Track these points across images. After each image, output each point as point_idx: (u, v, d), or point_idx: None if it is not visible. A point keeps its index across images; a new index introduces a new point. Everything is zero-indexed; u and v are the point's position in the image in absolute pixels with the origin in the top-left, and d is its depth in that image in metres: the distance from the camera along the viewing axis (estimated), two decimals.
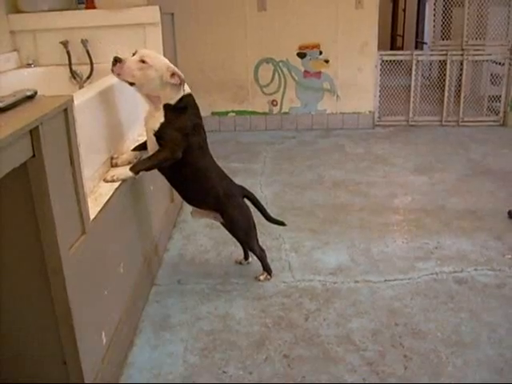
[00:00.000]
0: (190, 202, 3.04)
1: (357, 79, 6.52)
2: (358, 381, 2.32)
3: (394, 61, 6.70)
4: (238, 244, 3.28)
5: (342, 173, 5.01)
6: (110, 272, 2.38)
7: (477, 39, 6.65)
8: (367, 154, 5.61)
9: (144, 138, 2.94)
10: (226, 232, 3.22)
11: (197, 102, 2.81)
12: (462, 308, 2.83)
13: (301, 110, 6.65)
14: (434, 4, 6.93)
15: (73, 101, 1.92)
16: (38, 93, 1.89)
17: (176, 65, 4.23)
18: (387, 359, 2.45)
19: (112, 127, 2.82)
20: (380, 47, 6.72)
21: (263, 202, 3.27)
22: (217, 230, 3.65)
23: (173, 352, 2.54)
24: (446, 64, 6.66)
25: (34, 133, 1.65)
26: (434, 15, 6.91)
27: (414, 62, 6.62)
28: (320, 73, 6.52)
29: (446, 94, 6.72)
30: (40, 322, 1.91)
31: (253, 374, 2.38)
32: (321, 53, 6.45)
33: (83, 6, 3.87)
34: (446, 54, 6.63)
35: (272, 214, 3.27)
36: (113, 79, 2.95)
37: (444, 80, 6.72)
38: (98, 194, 2.38)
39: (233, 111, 6.64)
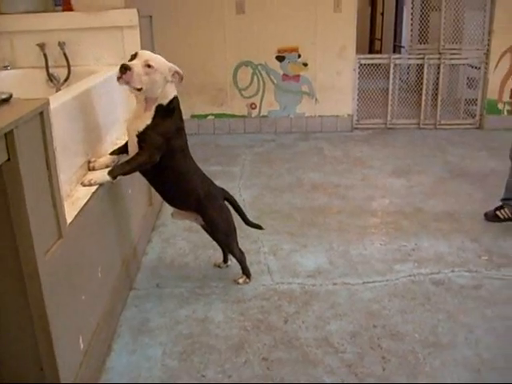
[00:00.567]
0: (170, 203, 3.04)
1: (335, 82, 6.56)
2: (337, 382, 2.33)
3: (372, 64, 6.75)
4: (217, 247, 3.28)
5: (320, 175, 5.03)
6: (88, 276, 2.36)
7: (453, 43, 6.74)
8: (346, 157, 5.64)
9: (122, 142, 2.94)
10: (205, 235, 3.22)
11: None
12: (439, 309, 2.86)
13: (280, 113, 6.67)
14: (412, 8, 7.00)
15: (49, 104, 1.90)
16: (14, 96, 1.87)
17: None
18: (365, 361, 2.46)
19: (89, 130, 2.80)
20: (359, 51, 6.77)
21: (242, 205, 3.27)
22: (196, 233, 3.64)
23: (151, 356, 2.52)
24: (423, 67, 6.74)
25: (8, 136, 1.63)
26: (412, 19, 6.98)
27: (392, 65, 6.68)
28: (299, 76, 6.55)
29: (424, 97, 6.79)
30: (16, 328, 1.89)
31: (232, 377, 2.38)
32: (299, 56, 6.48)
33: (60, 8, 3.84)
34: (424, 58, 6.70)
35: (251, 217, 3.28)
36: (90, 82, 2.94)
37: (421, 83, 6.79)
38: (75, 198, 2.35)
39: (212, 114, 6.63)
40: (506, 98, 6.67)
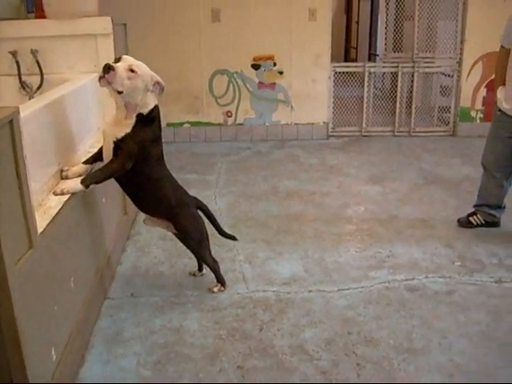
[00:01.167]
0: (142, 210, 3.04)
1: (311, 90, 6.60)
2: None
3: (347, 72, 6.81)
4: (192, 256, 3.27)
5: (296, 183, 5.05)
6: (60, 286, 2.33)
7: (427, 52, 6.84)
8: (321, 165, 5.67)
9: (95, 150, 2.92)
10: (180, 244, 3.20)
11: None
12: (414, 315, 2.88)
13: (255, 121, 6.69)
14: (386, 17, 7.09)
15: (19, 112, 1.88)
16: None
17: None
18: (340, 368, 2.47)
19: (62, 139, 2.77)
20: (334, 59, 6.83)
21: (218, 214, 3.27)
22: (171, 241, 3.63)
23: (125, 366, 2.50)
24: (397, 76, 6.81)
25: None
26: (386, 28, 7.07)
27: (367, 73, 6.74)
28: (274, 84, 6.58)
29: (398, 105, 6.86)
30: None
31: None
32: (275, 64, 6.51)
33: (33, 15, 3.81)
34: (398, 66, 6.77)
35: (226, 225, 3.29)
36: (63, 90, 2.91)
37: (396, 91, 6.87)
38: (47, 207, 2.33)
39: (188, 122, 6.62)
40: (478, 105, 6.77)
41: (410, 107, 6.90)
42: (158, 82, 2.68)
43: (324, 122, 6.74)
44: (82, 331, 2.57)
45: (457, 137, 6.82)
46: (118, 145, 2.63)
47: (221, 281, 3.13)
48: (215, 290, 3.11)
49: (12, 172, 1.86)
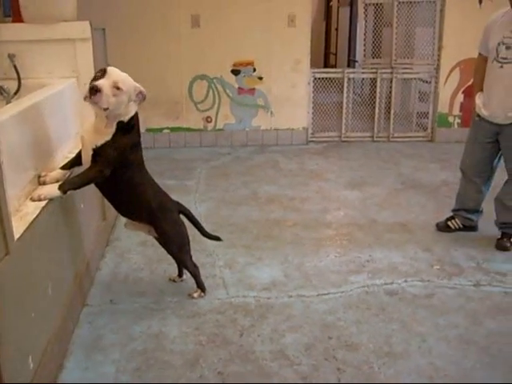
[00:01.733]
0: (122, 214, 3.03)
1: (290, 96, 6.62)
2: None
3: (326, 78, 6.85)
4: (172, 261, 3.25)
5: (276, 188, 5.05)
6: (38, 293, 2.30)
7: (405, 58, 6.91)
8: (301, 170, 5.68)
9: (73, 155, 2.89)
10: (160, 249, 3.18)
11: None
12: (393, 319, 2.90)
13: (235, 127, 6.69)
14: (365, 24, 7.15)
15: None
16: None
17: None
18: (321, 372, 2.47)
19: (39, 144, 2.74)
20: (314, 65, 6.86)
21: (198, 219, 3.24)
22: (151, 247, 3.61)
23: (104, 373, 2.47)
24: (376, 81, 6.87)
25: None
26: (365, 34, 7.13)
27: (346, 79, 6.79)
28: (254, 89, 6.59)
29: (377, 110, 6.91)
30: None
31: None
32: (255, 70, 6.52)
33: (10, 19, 3.77)
34: (376, 72, 6.83)
35: (207, 231, 3.26)
36: (41, 95, 2.89)
37: (375, 97, 6.92)
38: (24, 213, 2.30)
39: (167, 128, 6.60)
40: (456, 111, 6.84)
41: (389, 113, 6.95)
42: (140, 92, 2.68)
43: (303, 128, 6.77)
44: (60, 338, 2.54)
45: (435, 142, 6.89)
46: (97, 152, 2.62)
47: (201, 286, 3.12)
48: (195, 295, 3.09)
49: None
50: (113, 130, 2.64)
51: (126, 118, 2.66)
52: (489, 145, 3.76)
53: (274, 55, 6.47)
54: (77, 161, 2.80)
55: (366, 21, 7.19)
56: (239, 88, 6.58)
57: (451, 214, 4.06)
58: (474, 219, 4.01)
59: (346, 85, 6.80)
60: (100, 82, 2.51)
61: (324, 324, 2.85)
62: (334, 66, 11.02)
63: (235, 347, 2.65)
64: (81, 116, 3.57)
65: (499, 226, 3.84)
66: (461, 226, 4.01)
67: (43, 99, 2.86)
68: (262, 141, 6.73)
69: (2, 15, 3.88)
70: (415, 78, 6.99)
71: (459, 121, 6.84)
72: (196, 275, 3.12)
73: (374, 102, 6.93)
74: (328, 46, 12.44)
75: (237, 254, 3.66)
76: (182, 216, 3.10)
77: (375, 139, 6.96)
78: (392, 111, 6.91)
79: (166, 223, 2.98)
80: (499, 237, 3.81)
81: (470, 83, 6.64)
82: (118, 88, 2.54)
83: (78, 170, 2.77)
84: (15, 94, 3.60)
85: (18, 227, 2.11)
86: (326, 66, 11.89)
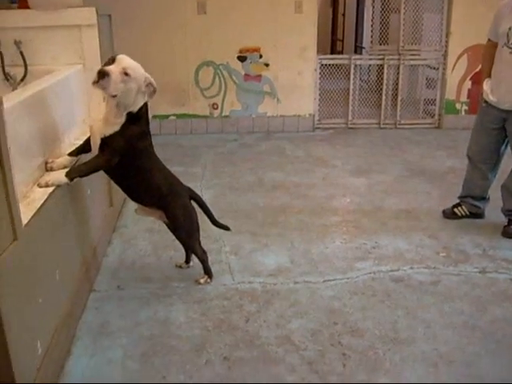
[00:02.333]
0: (133, 199, 3.03)
1: (297, 82, 6.60)
2: (298, 380, 2.34)
3: (332, 65, 6.82)
4: (179, 248, 3.27)
5: (282, 175, 5.05)
6: (45, 279, 2.32)
7: (412, 44, 6.87)
8: (307, 157, 5.68)
9: (80, 142, 2.90)
10: (167, 236, 3.20)
11: None
12: (399, 305, 2.91)
13: (241, 113, 6.68)
14: (372, 10, 7.11)
15: (2, 103, 1.86)
16: None
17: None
18: (326, 358, 2.48)
19: (46, 131, 2.75)
20: (320, 51, 6.83)
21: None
22: (157, 233, 3.63)
23: (112, 359, 2.49)
24: (383, 68, 6.83)
25: None
26: (372, 20, 7.09)
27: (353, 66, 6.76)
28: (260, 76, 6.57)
29: (384, 97, 6.88)
30: None
31: (193, 377, 2.37)
32: (261, 56, 6.50)
33: (16, 5, 3.76)
34: (383, 59, 6.79)
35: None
36: (47, 82, 2.89)
37: (381, 84, 6.89)
38: (32, 199, 2.31)
39: (174, 114, 6.60)
40: (463, 98, 6.80)
41: (396, 99, 6.92)
42: (150, 83, 2.67)
43: (310, 114, 6.75)
44: (68, 324, 2.57)
45: (442, 129, 6.86)
46: (105, 141, 2.63)
47: (208, 272, 3.13)
48: (202, 281, 3.11)
49: None
50: (122, 120, 2.64)
51: (135, 109, 2.66)
52: (495, 131, 3.74)
53: (281, 41, 6.44)
54: (84, 148, 2.82)
55: (374, 6, 7.14)
56: (245, 74, 6.56)
57: (458, 201, 4.05)
58: (481, 206, 4.00)
59: (352, 71, 6.77)
60: (108, 67, 2.51)
61: (330, 310, 2.86)
62: (341, 53, 10.97)
63: (241, 333, 2.67)
64: (87, 103, 3.58)
65: (506, 214, 3.83)
66: (467, 213, 4.00)
67: (49, 86, 2.86)
68: (268, 127, 6.72)
69: (8, 1, 3.86)
70: (422, 65, 6.95)
71: (466, 107, 6.81)
72: (204, 261, 3.13)
73: (381, 89, 6.90)
74: (335, 33, 12.37)
75: (243, 240, 3.67)
76: (193, 202, 3.10)
77: (382, 126, 6.94)
78: (399, 98, 6.88)
79: (177, 208, 2.98)
80: (506, 224, 3.80)
81: (477, 70, 6.62)
82: (126, 74, 2.53)
83: (85, 157, 2.78)
84: (21, 80, 3.61)
85: (25, 213, 2.12)
86: (332, 52, 11.83)
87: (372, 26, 7.13)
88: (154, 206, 3.01)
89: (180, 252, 3.30)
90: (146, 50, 6.10)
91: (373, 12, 7.17)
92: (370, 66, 7.54)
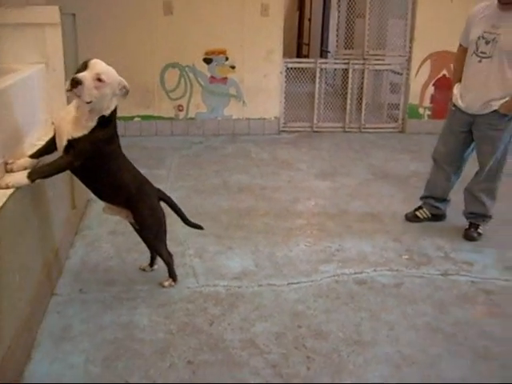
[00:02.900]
0: (101, 198, 2.99)
1: (262, 85, 6.61)
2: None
3: (298, 68, 6.87)
4: (143, 251, 3.24)
5: (247, 178, 5.05)
6: (5, 282, 2.26)
7: (377, 49, 6.96)
8: (272, 160, 5.69)
9: (42, 143, 2.85)
10: (131, 239, 3.17)
11: None
12: (362, 308, 2.93)
13: (207, 116, 6.66)
14: (338, 15, 7.16)
15: None
16: None
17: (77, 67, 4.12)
18: (290, 361, 2.49)
19: (6, 131, 2.69)
20: (286, 55, 6.86)
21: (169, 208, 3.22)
22: (121, 236, 3.59)
23: (73, 363, 2.45)
24: (348, 72, 6.90)
25: None
26: (338, 25, 7.14)
27: (318, 69, 6.81)
28: (226, 78, 6.56)
29: (349, 101, 6.95)
30: None
31: (157, 382, 2.34)
32: (227, 59, 6.49)
33: None
34: (349, 63, 6.86)
35: (178, 220, 3.24)
36: (7, 81, 2.83)
37: (346, 88, 6.96)
38: None
39: (138, 116, 6.54)
40: (426, 103, 6.92)
41: (361, 104, 7.00)
42: (124, 87, 2.66)
43: (275, 117, 6.77)
44: (28, 328, 2.51)
45: (405, 133, 6.96)
46: (72, 144, 2.59)
47: (173, 275, 3.11)
48: (166, 284, 3.08)
49: None
50: (93, 124, 2.61)
51: (107, 113, 2.63)
52: (462, 134, 3.81)
53: (247, 44, 6.45)
54: (47, 150, 2.76)
55: (339, 11, 7.20)
56: (211, 77, 6.55)
57: (420, 203, 4.11)
58: (442, 208, 4.07)
59: (318, 75, 6.82)
60: (81, 74, 2.48)
61: (294, 313, 2.86)
62: (307, 57, 11.03)
63: (205, 336, 2.65)
64: (50, 102, 3.52)
65: (467, 216, 3.91)
66: (429, 215, 4.06)
67: (10, 85, 2.80)
68: (234, 130, 6.71)
69: None
70: (387, 70, 7.05)
71: (429, 112, 6.92)
72: (169, 263, 3.11)
73: (346, 93, 6.97)
74: (301, 36, 12.43)
75: (207, 243, 3.65)
76: (163, 204, 3.08)
77: (347, 130, 7.00)
78: (363, 102, 6.96)
79: (145, 208, 2.96)
80: (467, 227, 3.87)
81: (440, 75, 6.76)
82: (100, 80, 2.50)
83: (47, 159, 2.73)
84: None
85: None
86: (298, 56, 11.89)
87: (337, 30, 7.19)
88: (121, 205, 2.97)
89: (144, 255, 3.27)
90: (110, 51, 6.02)
91: (338, 17, 7.23)
92: (335, 70, 7.61)
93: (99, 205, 4.06)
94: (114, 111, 2.71)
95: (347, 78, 6.93)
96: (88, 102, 2.52)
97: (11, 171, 2.61)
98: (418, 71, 6.81)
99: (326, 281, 3.20)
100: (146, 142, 6.31)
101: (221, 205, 4.36)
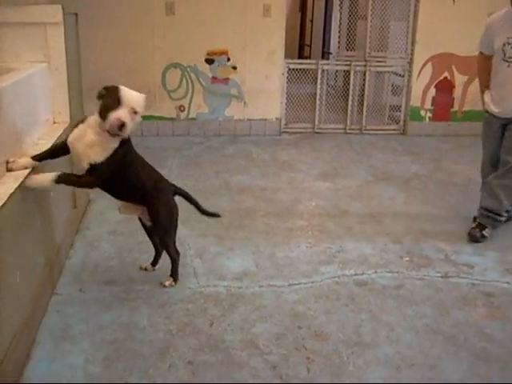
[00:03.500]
0: (116, 197, 3.00)
1: (264, 86, 6.61)
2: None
3: (300, 69, 6.86)
4: (143, 251, 3.24)
5: (248, 179, 5.05)
6: (5, 281, 2.26)
7: (379, 51, 6.95)
8: (273, 161, 5.69)
9: (43, 142, 2.86)
10: (131, 238, 3.17)
11: None
12: (363, 309, 2.93)
13: (208, 116, 6.65)
14: (340, 16, 7.17)
15: None
16: None
17: (80, 68, 4.13)
18: (290, 362, 2.48)
19: (7, 130, 2.68)
20: (288, 56, 6.85)
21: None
22: (121, 236, 3.59)
23: (73, 363, 2.44)
24: (349, 74, 6.90)
25: None
26: (340, 27, 7.15)
27: (320, 71, 6.80)
28: (228, 79, 6.56)
29: (350, 102, 6.95)
30: None
31: (156, 382, 2.34)
32: (229, 59, 6.49)
33: None
34: (350, 65, 6.86)
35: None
36: (8, 80, 2.82)
37: (348, 89, 6.96)
38: None
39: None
40: (428, 105, 6.91)
41: (362, 105, 6.99)
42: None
43: (277, 118, 6.77)
44: (28, 328, 2.51)
45: (407, 135, 6.95)
46: (95, 167, 2.62)
47: (174, 275, 3.11)
48: (167, 284, 3.08)
49: None
50: (116, 145, 2.65)
51: (129, 133, 2.66)
52: (500, 139, 3.81)
53: (249, 45, 6.45)
54: (51, 155, 2.76)
55: (341, 13, 7.21)
56: (213, 77, 6.55)
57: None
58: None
59: (319, 76, 6.82)
60: (123, 116, 2.52)
61: (294, 314, 2.86)
62: (309, 58, 11.04)
63: (205, 337, 2.65)
64: (52, 102, 3.52)
65: (480, 213, 3.87)
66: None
67: (11, 84, 2.80)
68: (235, 131, 6.71)
69: None
70: (388, 72, 7.04)
71: (430, 115, 6.91)
72: (175, 260, 3.11)
73: (348, 95, 6.97)
74: (303, 38, 12.44)
75: (208, 243, 3.65)
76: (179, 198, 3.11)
77: (348, 131, 7.00)
78: (365, 104, 6.95)
79: (160, 204, 2.99)
80: (473, 226, 3.85)
81: (442, 78, 6.76)
82: (135, 113, 2.57)
83: (46, 164, 2.73)
84: None
85: None
86: (300, 57, 11.90)
87: (339, 32, 7.20)
88: (137, 202, 2.99)
89: (145, 255, 3.27)
90: (112, 51, 6.06)
91: (340, 18, 7.24)
92: (336, 71, 7.62)
93: (100, 205, 4.11)
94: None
95: (349, 79, 6.93)
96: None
97: (11, 170, 2.60)
98: (419, 73, 6.80)
99: (327, 282, 3.20)
100: (147, 142, 6.29)
101: (221, 205, 4.35)
